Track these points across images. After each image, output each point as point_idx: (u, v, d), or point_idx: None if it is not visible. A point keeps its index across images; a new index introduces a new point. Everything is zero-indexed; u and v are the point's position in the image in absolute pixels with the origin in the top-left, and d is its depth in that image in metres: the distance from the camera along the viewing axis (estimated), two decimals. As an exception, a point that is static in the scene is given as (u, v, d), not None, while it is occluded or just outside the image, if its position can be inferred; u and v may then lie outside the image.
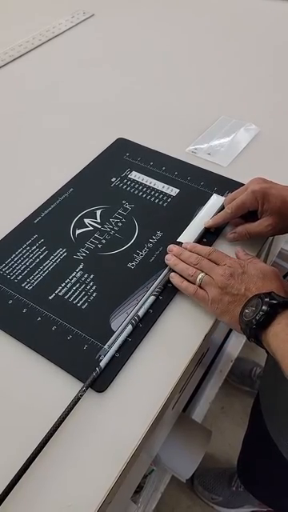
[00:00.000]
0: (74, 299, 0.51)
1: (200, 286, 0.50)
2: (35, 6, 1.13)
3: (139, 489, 0.92)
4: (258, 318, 0.42)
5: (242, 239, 0.56)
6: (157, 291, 0.51)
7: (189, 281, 0.51)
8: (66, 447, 0.41)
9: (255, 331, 0.43)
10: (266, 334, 0.42)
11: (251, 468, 0.91)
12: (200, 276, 0.50)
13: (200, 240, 0.57)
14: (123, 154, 0.70)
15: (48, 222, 0.60)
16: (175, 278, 0.52)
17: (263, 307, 0.42)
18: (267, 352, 0.44)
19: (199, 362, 0.75)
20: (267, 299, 0.43)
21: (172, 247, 0.55)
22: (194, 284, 0.50)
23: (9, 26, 1.06)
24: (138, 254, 0.56)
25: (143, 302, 0.50)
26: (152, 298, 0.50)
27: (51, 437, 0.40)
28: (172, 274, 0.52)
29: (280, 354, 0.41)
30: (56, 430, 0.41)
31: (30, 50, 0.95)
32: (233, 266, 0.49)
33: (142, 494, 0.93)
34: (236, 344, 1.34)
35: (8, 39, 0.98)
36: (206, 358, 0.89)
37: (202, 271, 0.50)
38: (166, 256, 0.54)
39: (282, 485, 0.79)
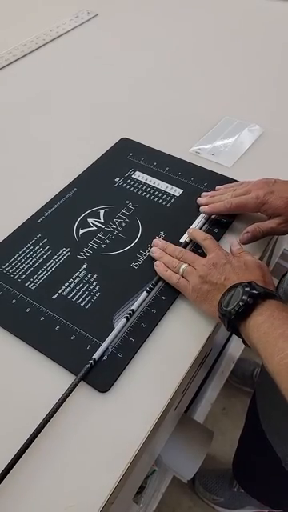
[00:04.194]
0: (78, 299, 0.51)
1: (183, 276, 0.51)
2: (39, 5, 1.13)
3: (141, 489, 0.92)
4: (237, 308, 0.42)
5: (256, 238, 0.56)
6: (149, 287, 0.51)
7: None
8: (68, 447, 0.41)
9: (234, 322, 0.42)
10: (246, 324, 0.42)
11: (246, 466, 0.91)
12: (183, 267, 0.51)
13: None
14: (127, 154, 0.70)
15: (51, 221, 0.60)
16: (160, 267, 0.52)
17: (243, 297, 0.41)
18: (244, 342, 0.44)
19: (202, 363, 0.75)
20: (248, 289, 0.42)
21: (157, 241, 0.56)
22: (178, 274, 0.51)
23: (12, 25, 1.06)
24: (141, 255, 0.56)
25: (142, 299, 0.50)
26: (144, 295, 0.51)
27: (42, 430, 0.40)
28: (157, 262, 0.53)
29: (262, 347, 0.40)
30: (47, 422, 0.41)
31: (33, 50, 0.95)
32: (217, 256, 0.50)
33: (144, 495, 0.93)
34: (238, 345, 1.34)
35: (12, 39, 0.98)
36: (208, 359, 0.89)
37: (186, 263, 0.51)
38: (152, 249, 0.55)
39: (276, 483, 0.80)
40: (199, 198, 0.61)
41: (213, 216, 0.59)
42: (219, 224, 0.59)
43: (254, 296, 0.42)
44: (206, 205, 0.59)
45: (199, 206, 0.60)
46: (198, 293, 0.48)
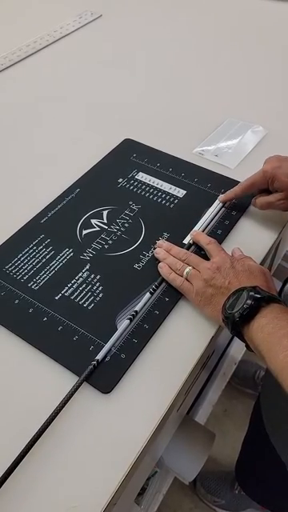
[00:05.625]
0: (80, 300, 0.51)
1: (187, 279, 0.51)
2: (42, 6, 1.13)
3: (142, 491, 0.92)
4: (241, 311, 0.42)
5: (260, 208, 0.59)
6: (153, 289, 0.51)
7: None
8: (71, 448, 0.41)
9: (238, 324, 0.43)
10: (249, 327, 0.42)
11: (249, 469, 0.91)
12: (187, 270, 0.51)
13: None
14: (130, 155, 0.70)
15: (55, 222, 0.60)
16: (164, 269, 0.52)
17: (248, 301, 0.42)
18: (247, 346, 0.44)
19: (204, 365, 0.75)
20: (252, 293, 0.42)
21: (161, 243, 0.56)
22: (181, 277, 0.51)
23: (16, 26, 1.06)
24: (144, 255, 0.56)
25: (145, 300, 0.50)
26: (148, 296, 0.50)
27: (44, 431, 0.40)
28: (161, 264, 0.53)
29: (265, 348, 0.40)
30: (49, 423, 0.41)
31: (37, 51, 0.95)
32: (221, 260, 0.50)
33: (145, 496, 0.92)
34: (240, 347, 1.33)
35: (15, 40, 0.98)
36: (210, 361, 0.89)
37: (190, 265, 0.51)
38: (156, 250, 0.55)
39: (278, 487, 0.79)
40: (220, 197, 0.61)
41: (226, 205, 0.61)
42: (222, 226, 0.59)
43: (259, 299, 0.42)
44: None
45: (204, 208, 0.61)
46: (201, 296, 0.48)
